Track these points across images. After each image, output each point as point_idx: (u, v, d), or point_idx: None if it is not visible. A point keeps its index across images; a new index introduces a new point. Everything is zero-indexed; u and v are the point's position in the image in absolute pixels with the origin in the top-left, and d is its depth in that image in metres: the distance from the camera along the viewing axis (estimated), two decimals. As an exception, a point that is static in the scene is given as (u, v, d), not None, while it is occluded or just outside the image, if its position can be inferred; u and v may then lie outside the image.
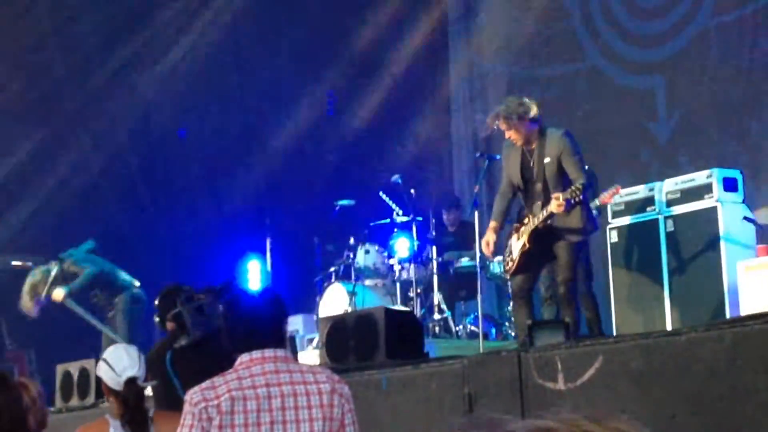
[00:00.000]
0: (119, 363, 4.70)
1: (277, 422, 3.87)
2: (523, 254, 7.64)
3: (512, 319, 8.79)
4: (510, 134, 7.64)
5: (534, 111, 7.60)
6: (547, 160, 7.56)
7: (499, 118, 7.61)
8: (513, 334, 8.94)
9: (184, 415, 3.86)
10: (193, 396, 3.86)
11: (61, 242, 11.54)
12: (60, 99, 13.13)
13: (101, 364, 4.81)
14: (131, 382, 4.65)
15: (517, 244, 7.69)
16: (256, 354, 3.96)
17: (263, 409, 3.86)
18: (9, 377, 4.03)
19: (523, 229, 7.69)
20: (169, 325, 6.28)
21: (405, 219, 10.58)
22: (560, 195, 7.33)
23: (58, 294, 10.11)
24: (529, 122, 7.59)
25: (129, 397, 4.65)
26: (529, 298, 7.76)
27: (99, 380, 4.90)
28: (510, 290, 8.49)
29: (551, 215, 7.49)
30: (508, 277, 8.00)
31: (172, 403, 5.14)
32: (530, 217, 7.66)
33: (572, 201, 7.33)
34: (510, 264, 7.77)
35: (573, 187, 7.34)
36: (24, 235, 12.70)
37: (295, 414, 3.90)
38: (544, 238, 7.63)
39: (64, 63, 13.12)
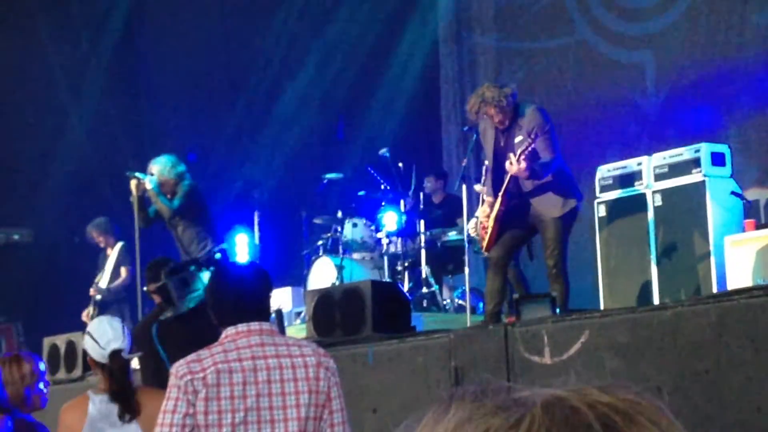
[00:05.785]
0: (103, 336, 4.69)
1: (263, 395, 3.87)
2: (498, 224, 7.62)
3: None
4: (496, 119, 7.62)
5: (511, 90, 7.62)
6: (518, 138, 7.55)
7: (488, 106, 7.56)
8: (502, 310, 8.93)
9: (169, 388, 3.86)
10: (178, 369, 3.86)
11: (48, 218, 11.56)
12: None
13: (86, 337, 4.80)
14: (115, 354, 4.64)
15: (491, 216, 7.68)
16: (242, 327, 3.96)
17: (249, 382, 3.86)
18: None
19: (495, 202, 7.70)
20: (155, 298, 6.29)
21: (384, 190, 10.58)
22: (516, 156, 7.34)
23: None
24: (508, 103, 7.60)
25: (114, 369, 4.64)
26: (505, 269, 7.76)
27: (85, 354, 4.89)
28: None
29: (519, 189, 7.53)
30: (485, 253, 7.97)
31: (159, 376, 5.14)
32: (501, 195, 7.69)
33: (525, 155, 7.31)
34: (483, 236, 7.77)
35: (524, 146, 7.34)
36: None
37: (281, 387, 3.90)
38: (525, 214, 7.64)
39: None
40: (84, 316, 11.14)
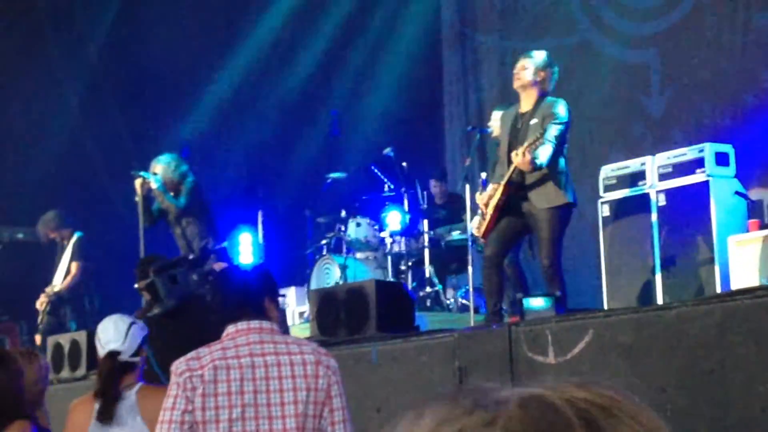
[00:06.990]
0: (104, 335, 4.67)
1: (261, 391, 3.89)
2: (497, 212, 7.61)
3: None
4: (518, 79, 7.72)
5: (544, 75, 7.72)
6: (533, 121, 7.57)
7: (532, 65, 7.71)
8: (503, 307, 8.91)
9: (170, 385, 3.92)
10: (178, 366, 3.91)
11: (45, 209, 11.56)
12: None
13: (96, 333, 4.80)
14: (110, 356, 4.61)
15: (491, 203, 7.67)
16: (242, 325, 3.99)
17: (246, 378, 3.89)
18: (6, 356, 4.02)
19: (498, 189, 7.69)
20: (145, 295, 6.31)
21: (390, 194, 10.58)
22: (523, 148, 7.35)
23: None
24: (544, 78, 7.72)
25: (103, 369, 4.60)
26: (500, 266, 7.75)
27: (91, 351, 4.89)
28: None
29: (521, 180, 7.52)
30: (482, 240, 7.96)
31: (145, 372, 5.14)
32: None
33: (533, 150, 7.33)
34: (482, 224, 7.76)
35: (533, 137, 7.35)
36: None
37: (279, 383, 3.91)
38: (521, 213, 7.62)
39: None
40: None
